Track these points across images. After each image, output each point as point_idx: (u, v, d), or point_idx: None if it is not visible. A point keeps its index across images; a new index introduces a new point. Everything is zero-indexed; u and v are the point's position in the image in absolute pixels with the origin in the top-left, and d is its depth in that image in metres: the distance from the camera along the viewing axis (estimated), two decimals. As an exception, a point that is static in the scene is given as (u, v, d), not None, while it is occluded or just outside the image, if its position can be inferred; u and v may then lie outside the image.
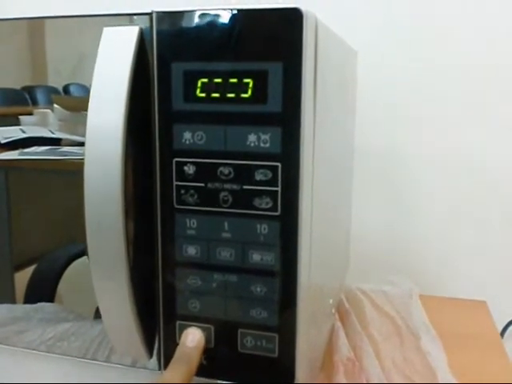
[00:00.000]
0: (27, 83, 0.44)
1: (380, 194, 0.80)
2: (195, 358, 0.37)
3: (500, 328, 0.75)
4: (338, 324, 0.56)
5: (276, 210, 0.35)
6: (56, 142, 0.41)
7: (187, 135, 0.35)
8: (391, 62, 0.75)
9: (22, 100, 0.43)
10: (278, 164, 0.34)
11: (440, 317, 0.63)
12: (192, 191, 0.36)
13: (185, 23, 0.35)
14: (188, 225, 0.37)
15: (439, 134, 0.76)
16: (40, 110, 0.42)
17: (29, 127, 0.43)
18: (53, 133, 0.42)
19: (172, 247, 0.37)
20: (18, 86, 0.43)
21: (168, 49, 0.35)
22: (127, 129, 0.35)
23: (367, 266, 0.76)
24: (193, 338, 0.37)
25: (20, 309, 0.49)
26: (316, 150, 0.36)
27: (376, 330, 0.57)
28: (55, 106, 0.41)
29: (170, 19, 0.35)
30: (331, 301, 0.54)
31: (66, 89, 0.40)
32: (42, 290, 0.48)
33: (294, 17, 0.32)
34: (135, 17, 0.36)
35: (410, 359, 0.50)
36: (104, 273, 0.37)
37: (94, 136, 0.35)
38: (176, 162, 0.36)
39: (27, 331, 0.48)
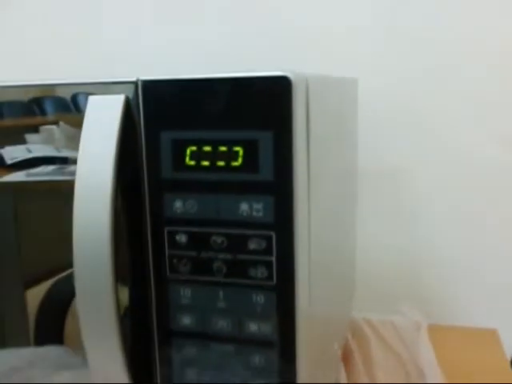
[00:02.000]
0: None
1: (388, 219, 0.78)
2: None
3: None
4: (341, 364, 0.54)
5: (272, 280, 0.34)
6: (63, 160, 0.40)
7: (178, 204, 0.34)
8: (394, 83, 0.73)
9: (30, 113, 0.42)
10: (272, 233, 0.33)
11: (448, 349, 0.62)
12: (185, 260, 0.35)
13: (171, 91, 0.33)
14: (182, 294, 0.36)
15: (450, 155, 0.74)
16: (46, 127, 0.41)
17: (35, 146, 0.42)
18: (59, 151, 0.41)
19: (167, 316, 0.36)
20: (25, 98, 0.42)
21: (155, 117, 0.34)
22: (116, 198, 0.34)
23: (375, 293, 0.75)
24: None
25: (23, 355, 0.48)
26: (312, 212, 0.35)
27: (381, 370, 0.56)
28: (61, 122, 0.40)
29: (156, 87, 0.34)
30: (336, 345, 0.53)
31: (74, 99, 0.39)
32: (50, 327, 0.47)
33: (282, 85, 0.31)
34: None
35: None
36: (96, 342, 0.36)
37: (83, 207, 0.34)
38: (168, 230, 0.35)
39: (30, 381, 0.47)
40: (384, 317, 0.70)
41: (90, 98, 0.34)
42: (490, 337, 0.68)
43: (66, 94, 0.39)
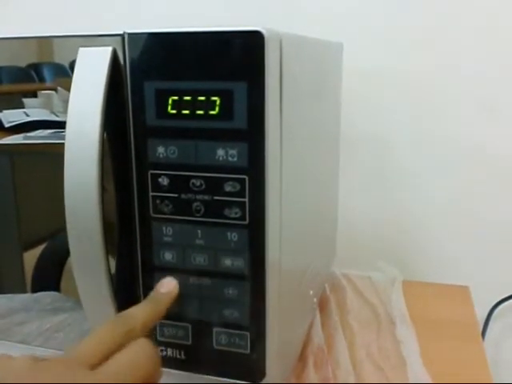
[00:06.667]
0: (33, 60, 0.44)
1: (369, 181, 0.82)
2: (164, 302, 0.38)
3: (486, 311, 0.78)
4: (316, 312, 0.58)
5: (244, 219, 0.37)
6: (60, 124, 0.41)
7: (161, 149, 0.38)
8: (379, 48, 0.76)
9: (27, 78, 0.44)
10: (245, 177, 0.37)
11: (420, 303, 0.66)
12: (167, 201, 0.39)
13: (155, 44, 0.36)
14: (164, 232, 0.39)
15: (429, 120, 0.77)
16: (44, 92, 0.43)
17: (33, 110, 0.43)
18: (57, 115, 0.42)
19: (150, 253, 0.40)
20: (23, 64, 0.44)
21: (140, 68, 0.37)
22: (103, 142, 0.37)
23: (356, 252, 0.79)
24: (167, 286, 0.39)
25: (20, 299, 0.52)
26: (284, 160, 0.38)
27: (355, 318, 0.60)
28: (59, 87, 0.42)
29: (141, 40, 0.36)
30: (312, 292, 0.56)
31: (72, 65, 0.39)
32: (47, 277, 0.50)
33: (256, 40, 0.34)
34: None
35: (384, 348, 0.53)
36: (86, 278, 0.40)
37: (72, 149, 0.37)
38: (151, 174, 0.38)
39: (26, 323, 0.51)
40: (362, 273, 0.74)
41: (81, 49, 0.37)
42: (461, 292, 0.72)
43: (65, 61, 0.41)
